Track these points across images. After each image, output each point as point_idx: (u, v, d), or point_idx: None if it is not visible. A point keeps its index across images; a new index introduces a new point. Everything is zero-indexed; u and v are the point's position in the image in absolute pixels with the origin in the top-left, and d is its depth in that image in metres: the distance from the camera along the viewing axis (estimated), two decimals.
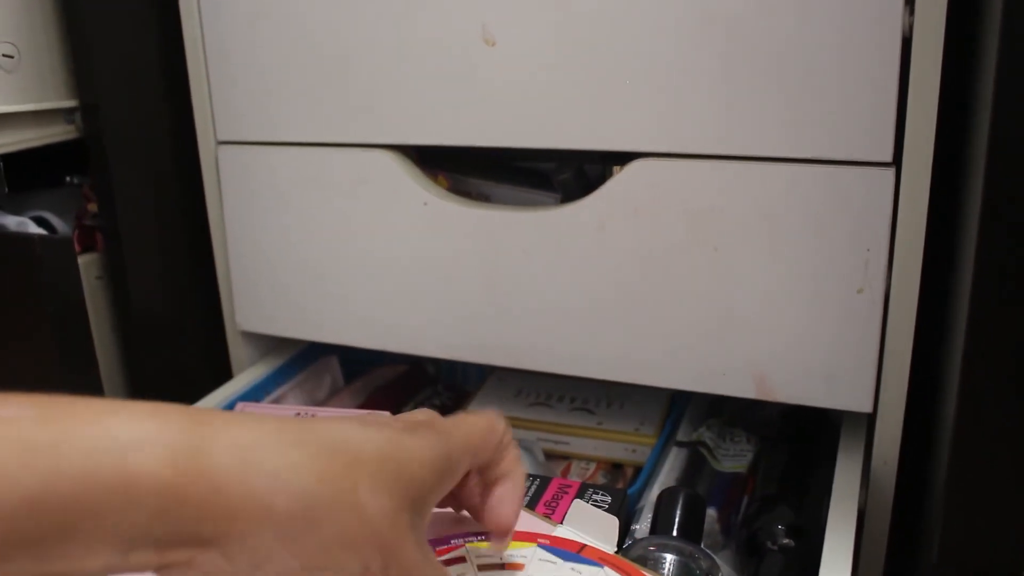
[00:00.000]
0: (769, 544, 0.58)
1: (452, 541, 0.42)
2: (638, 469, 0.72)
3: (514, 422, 0.76)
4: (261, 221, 0.75)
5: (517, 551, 0.42)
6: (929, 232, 0.55)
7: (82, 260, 0.82)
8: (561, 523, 0.52)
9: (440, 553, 0.42)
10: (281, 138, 0.72)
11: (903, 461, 0.61)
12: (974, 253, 0.49)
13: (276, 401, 0.79)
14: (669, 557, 0.51)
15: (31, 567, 0.26)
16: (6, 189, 0.76)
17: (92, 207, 0.86)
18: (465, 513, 0.43)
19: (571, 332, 0.66)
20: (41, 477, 0.25)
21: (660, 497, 0.57)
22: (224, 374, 0.82)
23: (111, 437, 0.27)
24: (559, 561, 0.42)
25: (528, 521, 0.47)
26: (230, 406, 0.73)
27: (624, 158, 0.61)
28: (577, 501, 0.53)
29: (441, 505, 0.42)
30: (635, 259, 0.62)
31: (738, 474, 0.68)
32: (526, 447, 0.74)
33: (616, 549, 0.49)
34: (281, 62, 0.70)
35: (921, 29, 0.52)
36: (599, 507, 0.55)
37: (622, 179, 0.62)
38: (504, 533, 0.40)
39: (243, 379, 0.79)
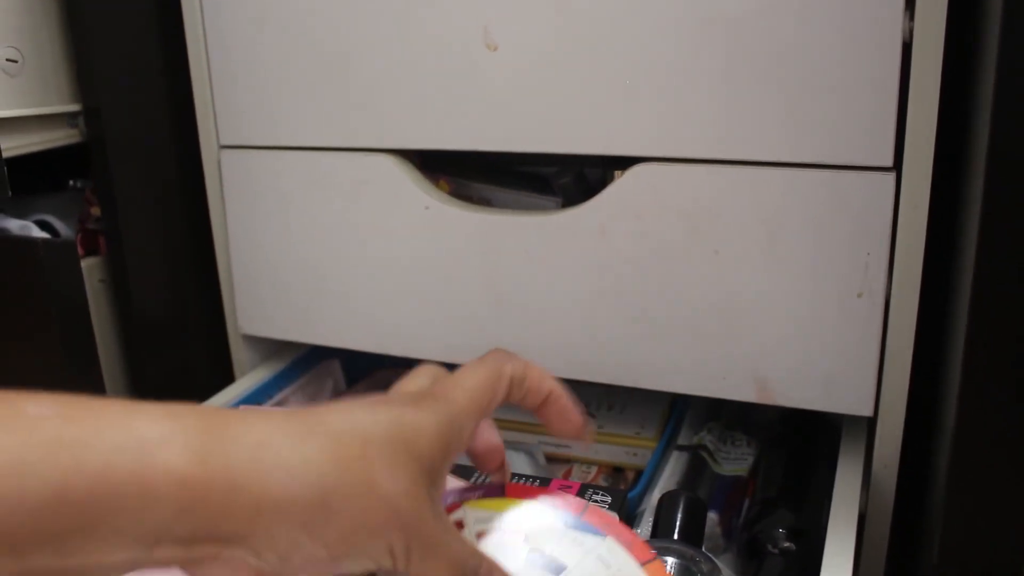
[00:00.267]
0: (770, 547, 0.58)
1: (448, 500, 0.42)
2: (639, 473, 0.72)
3: (515, 425, 0.76)
4: (263, 225, 0.76)
5: (515, 513, 0.41)
6: (929, 236, 0.56)
7: (85, 264, 0.82)
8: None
9: None
10: (283, 142, 0.73)
11: (903, 464, 0.61)
12: (974, 257, 0.49)
13: (278, 404, 0.79)
14: (670, 560, 0.51)
15: (54, 562, 0.26)
16: (9, 193, 0.76)
17: (95, 211, 0.86)
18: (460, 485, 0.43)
19: (572, 336, 0.66)
20: (64, 473, 0.26)
21: (661, 500, 0.57)
22: (226, 377, 0.82)
23: (132, 436, 0.27)
24: (560, 526, 0.40)
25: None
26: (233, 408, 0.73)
27: (625, 162, 0.61)
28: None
29: None
30: (636, 263, 0.63)
31: (739, 477, 0.68)
32: (527, 451, 0.74)
33: None
34: (284, 67, 0.70)
35: (921, 33, 0.52)
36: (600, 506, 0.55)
37: (623, 183, 0.62)
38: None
39: (245, 383, 0.79)
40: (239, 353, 0.82)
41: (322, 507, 0.29)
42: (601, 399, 0.80)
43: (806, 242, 0.58)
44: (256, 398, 0.77)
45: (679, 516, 0.56)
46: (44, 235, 0.81)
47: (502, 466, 0.41)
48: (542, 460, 0.73)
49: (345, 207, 0.71)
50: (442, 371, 0.39)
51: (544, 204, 0.72)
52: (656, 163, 0.60)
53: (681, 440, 0.73)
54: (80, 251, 0.83)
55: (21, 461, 0.25)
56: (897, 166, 0.55)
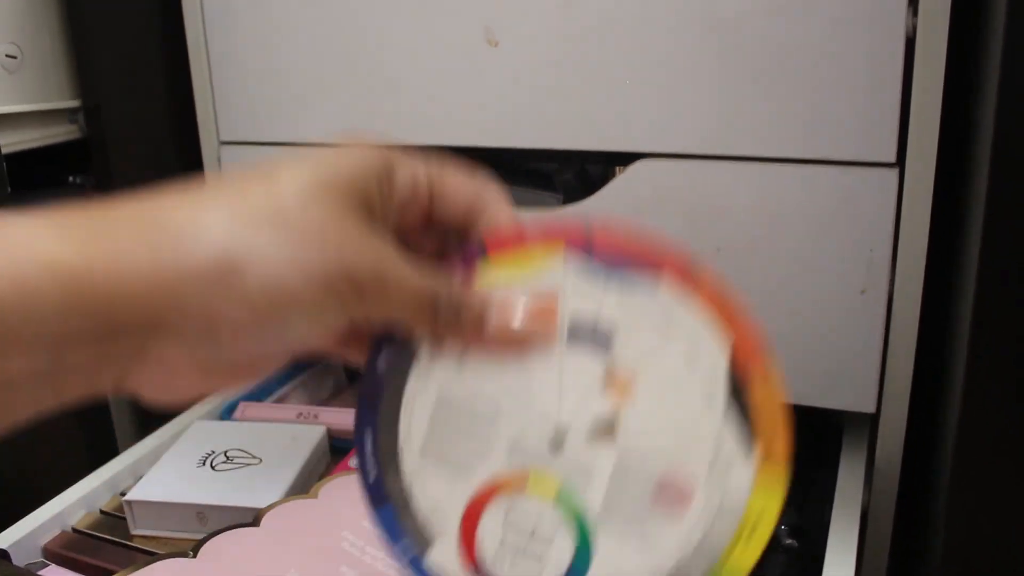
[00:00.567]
0: (772, 544, 0.58)
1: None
2: None
3: None
4: None
5: (540, 271, 0.33)
6: (932, 232, 0.55)
7: None
8: None
9: None
10: (284, 138, 0.72)
11: (906, 461, 0.61)
12: (978, 253, 0.49)
13: (279, 401, 0.79)
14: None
15: None
16: (9, 189, 0.76)
17: None
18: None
19: None
20: None
21: None
22: None
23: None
24: (599, 285, 0.33)
25: None
26: (233, 406, 0.73)
27: (627, 158, 0.61)
28: None
29: None
30: None
31: None
32: None
33: None
34: (284, 62, 0.70)
35: (924, 29, 0.52)
36: None
37: (625, 180, 0.62)
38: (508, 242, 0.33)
39: None
40: None
41: (228, 263, 0.26)
42: None
43: (809, 239, 0.58)
44: (256, 394, 0.77)
45: None
46: None
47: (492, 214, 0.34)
48: None
49: None
50: None
51: (545, 200, 0.71)
52: (657, 159, 0.60)
53: None
54: None
55: None
56: (900, 162, 0.55)
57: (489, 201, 0.34)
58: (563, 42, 0.60)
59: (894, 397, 0.59)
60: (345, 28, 0.67)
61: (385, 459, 0.34)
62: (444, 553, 0.33)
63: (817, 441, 0.69)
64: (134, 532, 0.59)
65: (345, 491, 0.55)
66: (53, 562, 0.56)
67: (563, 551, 0.32)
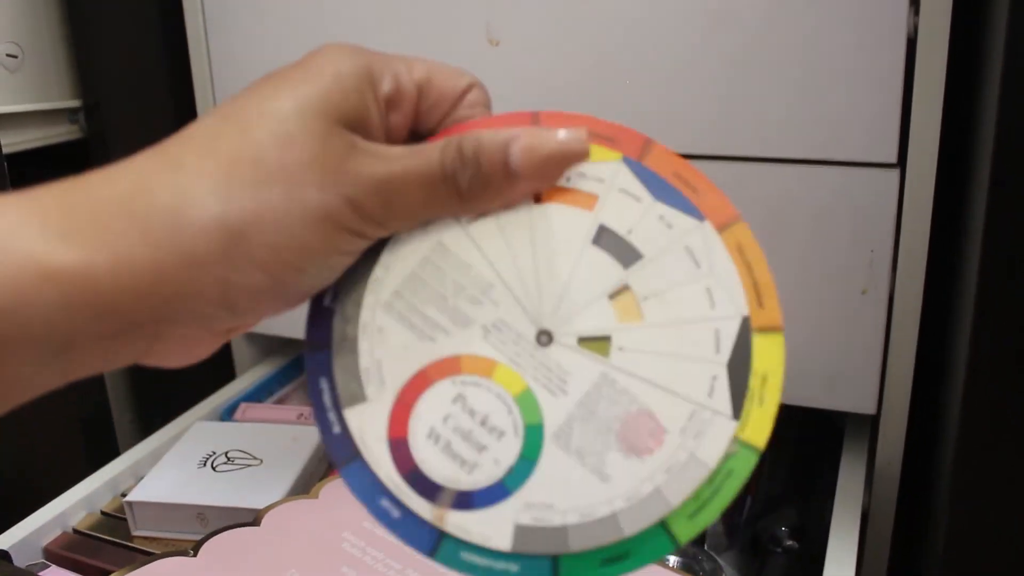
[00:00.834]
0: (772, 545, 0.58)
1: None
2: None
3: None
4: None
5: (597, 167, 0.31)
6: (933, 232, 0.55)
7: None
8: None
9: None
10: None
11: (907, 462, 0.60)
12: (979, 253, 0.49)
13: (279, 401, 0.79)
14: (673, 559, 0.51)
15: None
16: (9, 189, 0.76)
17: None
18: None
19: None
20: None
21: None
22: (227, 374, 0.82)
23: None
24: (645, 197, 0.31)
25: None
26: (233, 406, 0.73)
27: None
28: None
29: None
30: None
31: None
32: None
33: None
34: (284, 61, 0.70)
35: (926, 30, 0.52)
36: None
37: None
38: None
39: (246, 379, 0.79)
40: (240, 350, 0.82)
41: (230, 234, 0.25)
42: None
43: (810, 238, 0.58)
44: (257, 395, 0.77)
45: None
46: None
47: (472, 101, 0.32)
48: None
49: None
50: None
51: None
52: None
53: None
54: None
55: None
56: (901, 162, 0.54)
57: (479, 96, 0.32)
58: (564, 42, 0.60)
59: (895, 398, 0.59)
60: (345, 28, 0.67)
61: (346, 402, 0.30)
62: (367, 415, 0.30)
63: (818, 442, 0.69)
64: (135, 533, 0.59)
65: (346, 492, 0.55)
66: (54, 563, 0.56)
67: (508, 451, 0.29)
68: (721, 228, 0.31)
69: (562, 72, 0.61)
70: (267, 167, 0.26)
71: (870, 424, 0.64)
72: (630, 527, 0.29)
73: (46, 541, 0.57)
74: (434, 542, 0.30)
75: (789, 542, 0.57)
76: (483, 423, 0.29)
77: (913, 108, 0.53)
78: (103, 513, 0.61)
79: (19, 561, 0.55)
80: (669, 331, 0.30)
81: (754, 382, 0.29)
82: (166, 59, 0.80)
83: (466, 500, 0.29)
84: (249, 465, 0.62)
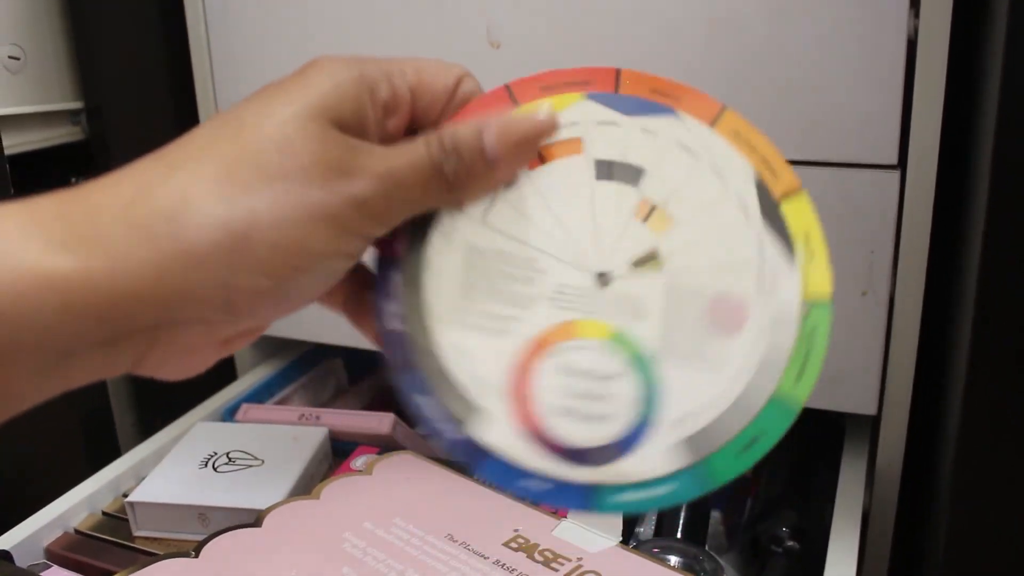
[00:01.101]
0: (773, 546, 0.58)
1: None
2: None
3: None
4: None
5: (568, 112, 0.33)
6: (934, 234, 0.55)
7: None
8: (565, 517, 0.52)
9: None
10: None
11: (907, 463, 0.60)
12: (979, 255, 0.49)
13: (281, 402, 0.79)
14: (673, 559, 0.51)
15: None
16: (11, 191, 0.76)
17: None
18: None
19: None
20: None
21: None
22: (228, 375, 0.82)
23: None
24: (621, 119, 0.33)
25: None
26: (235, 407, 0.73)
27: None
28: None
29: None
30: None
31: (742, 476, 0.68)
32: None
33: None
34: (286, 64, 0.70)
35: (926, 31, 0.52)
36: None
37: None
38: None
39: (247, 380, 0.79)
40: (241, 350, 0.82)
41: (233, 236, 0.25)
42: None
43: None
44: (258, 396, 0.77)
45: (682, 515, 0.55)
46: None
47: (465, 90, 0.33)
48: None
49: None
50: None
51: None
52: None
53: None
54: None
55: None
56: (901, 164, 0.55)
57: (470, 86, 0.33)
58: (565, 44, 0.60)
59: (895, 399, 0.59)
60: (349, 29, 0.67)
61: (459, 413, 0.31)
62: (490, 424, 0.31)
63: (818, 443, 0.69)
64: (136, 533, 0.59)
65: (347, 492, 0.55)
66: (55, 563, 0.56)
67: (629, 389, 0.30)
68: (713, 122, 0.33)
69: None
70: (267, 169, 0.26)
71: (871, 425, 0.64)
72: (754, 405, 0.30)
73: (47, 541, 0.57)
74: (590, 497, 0.30)
75: (790, 543, 0.57)
76: (595, 378, 0.30)
77: (913, 109, 0.53)
78: (104, 513, 0.61)
79: (20, 561, 0.55)
80: (701, 219, 0.31)
81: (798, 242, 0.31)
82: (168, 61, 0.80)
83: (617, 449, 0.30)
84: (251, 466, 0.62)
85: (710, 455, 0.30)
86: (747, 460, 0.30)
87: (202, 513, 0.58)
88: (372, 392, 0.85)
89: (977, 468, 0.53)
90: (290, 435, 0.66)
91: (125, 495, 0.61)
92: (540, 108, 0.32)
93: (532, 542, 0.50)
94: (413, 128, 0.32)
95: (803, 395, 0.31)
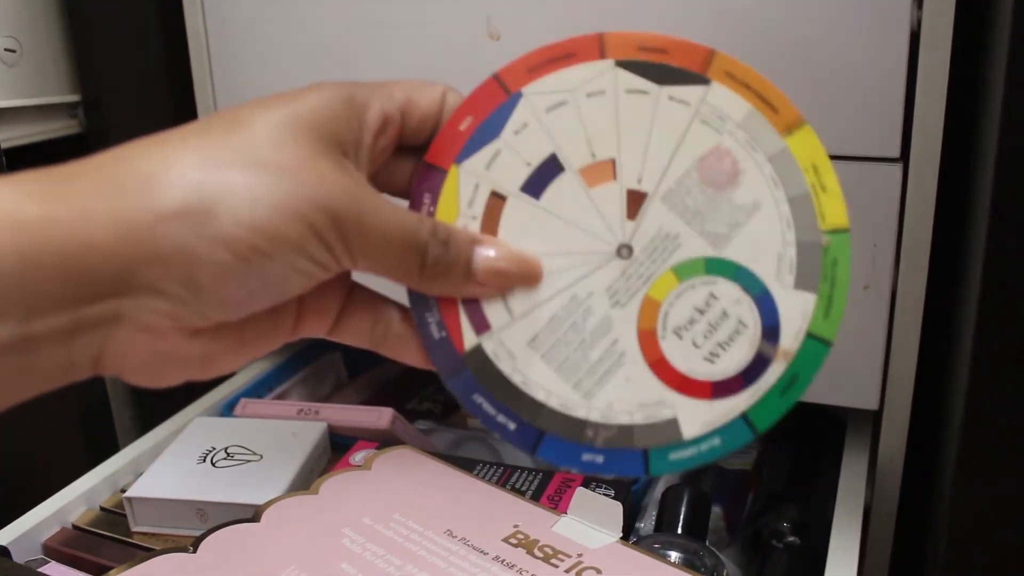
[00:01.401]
0: (774, 542, 0.57)
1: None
2: None
3: None
4: None
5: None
6: (936, 228, 0.55)
7: None
8: (565, 514, 0.52)
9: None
10: None
11: (909, 458, 0.60)
12: (983, 249, 0.49)
13: (279, 397, 0.79)
14: (674, 555, 0.51)
15: None
16: None
17: None
18: None
19: None
20: None
21: (665, 494, 0.57)
22: None
23: None
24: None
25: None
26: (233, 402, 0.73)
27: None
28: (580, 488, 0.53)
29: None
30: None
31: (743, 471, 0.68)
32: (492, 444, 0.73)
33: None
34: (286, 56, 0.70)
35: (929, 23, 0.51)
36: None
37: None
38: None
39: (246, 375, 0.79)
40: None
41: (200, 203, 0.25)
42: None
43: None
44: (257, 391, 0.77)
45: (683, 510, 0.55)
46: None
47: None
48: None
49: None
50: None
51: None
52: None
53: None
54: None
55: None
56: (904, 157, 0.54)
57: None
58: (564, 35, 0.60)
59: (897, 393, 0.58)
60: (348, 22, 0.67)
61: (516, 407, 0.33)
62: (681, 418, 0.32)
63: (820, 438, 0.69)
64: (134, 529, 0.59)
65: (346, 487, 0.55)
66: (53, 559, 0.56)
67: (730, 289, 0.31)
68: (703, 67, 0.33)
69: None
70: (253, 157, 0.26)
71: (872, 420, 0.64)
72: (790, 342, 0.31)
73: (45, 537, 0.57)
74: (643, 462, 0.32)
75: (791, 538, 0.57)
76: (701, 311, 0.32)
77: (916, 102, 0.53)
78: (102, 509, 0.61)
79: (18, 557, 0.55)
80: (646, 134, 0.32)
81: (808, 175, 0.32)
82: (165, 53, 0.79)
83: (771, 337, 0.31)
84: (249, 461, 0.62)
85: (749, 408, 0.31)
86: (788, 400, 0.31)
87: (200, 508, 0.58)
88: (371, 387, 0.85)
89: (979, 462, 0.53)
90: (289, 430, 0.66)
91: (123, 490, 0.61)
92: (535, 263, 0.33)
93: (532, 538, 0.50)
94: (402, 146, 0.33)
95: (832, 330, 0.31)
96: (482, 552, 0.49)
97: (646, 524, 0.59)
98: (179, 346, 0.28)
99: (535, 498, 0.56)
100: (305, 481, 0.61)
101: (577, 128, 0.32)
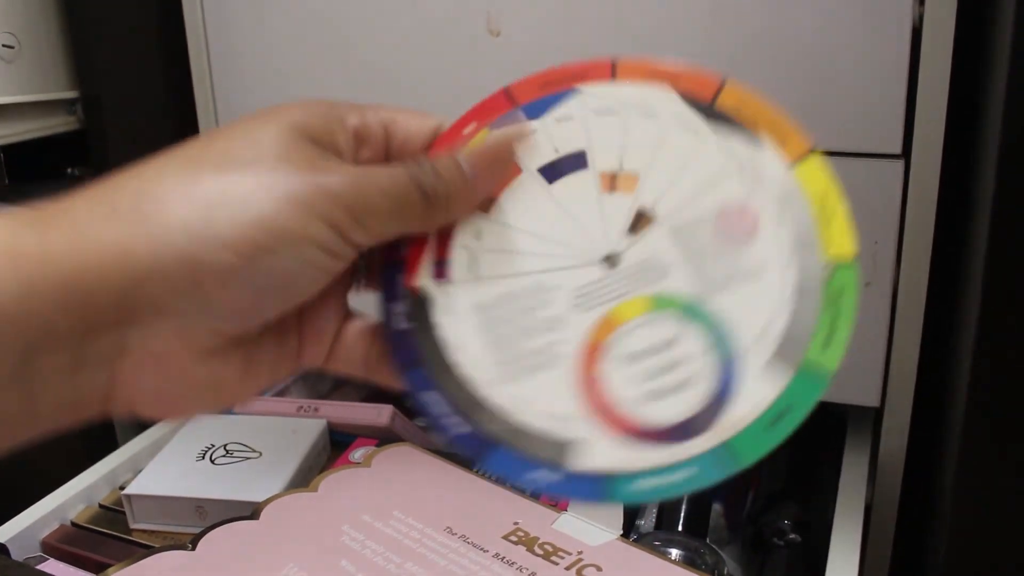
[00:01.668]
0: (775, 539, 0.57)
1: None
2: None
3: None
4: None
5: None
6: (938, 224, 0.55)
7: None
8: (566, 511, 0.52)
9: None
10: None
11: (910, 455, 0.60)
12: (985, 246, 0.49)
13: (279, 394, 0.79)
14: (674, 552, 0.51)
15: None
16: (6, 180, 0.76)
17: None
18: None
19: None
20: None
21: None
22: None
23: None
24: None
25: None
26: None
27: None
28: None
29: None
30: None
31: (744, 469, 0.68)
32: None
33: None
34: (284, 53, 0.70)
35: (931, 19, 0.51)
36: None
37: None
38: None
39: None
40: None
41: (196, 212, 0.25)
42: None
43: None
44: None
45: (683, 508, 0.55)
46: None
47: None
48: None
49: None
50: None
51: None
52: None
53: None
54: None
55: None
56: (906, 153, 0.54)
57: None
58: (565, 32, 0.60)
59: (898, 391, 0.58)
60: (347, 19, 0.66)
61: (465, 408, 0.31)
62: (591, 450, 0.30)
63: (821, 435, 0.69)
64: (133, 526, 0.58)
65: (345, 485, 0.55)
66: (52, 556, 0.56)
67: (697, 340, 0.30)
68: (712, 98, 0.33)
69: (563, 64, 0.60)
70: (237, 158, 0.27)
71: (873, 417, 0.64)
72: (783, 375, 0.29)
73: (44, 534, 0.57)
74: (601, 487, 0.29)
75: (792, 536, 0.57)
76: (659, 350, 0.30)
77: (918, 98, 0.53)
78: (101, 506, 0.61)
79: (17, 554, 0.55)
80: (658, 158, 0.31)
81: (815, 206, 0.31)
82: (164, 49, 0.79)
83: (720, 400, 0.29)
84: (248, 458, 0.62)
85: (732, 438, 0.29)
86: (775, 437, 0.29)
87: (199, 506, 0.57)
88: (371, 384, 0.84)
89: (981, 460, 0.53)
90: (288, 427, 0.66)
91: (122, 488, 0.61)
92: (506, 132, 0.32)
93: (532, 535, 0.50)
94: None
95: (833, 363, 0.30)
96: (482, 549, 0.49)
97: (646, 521, 0.58)
98: (188, 371, 0.27)
99: (535, 495, 0.55)
100: (304, 478, 0.60)
101: (617, 137, 0.32)
